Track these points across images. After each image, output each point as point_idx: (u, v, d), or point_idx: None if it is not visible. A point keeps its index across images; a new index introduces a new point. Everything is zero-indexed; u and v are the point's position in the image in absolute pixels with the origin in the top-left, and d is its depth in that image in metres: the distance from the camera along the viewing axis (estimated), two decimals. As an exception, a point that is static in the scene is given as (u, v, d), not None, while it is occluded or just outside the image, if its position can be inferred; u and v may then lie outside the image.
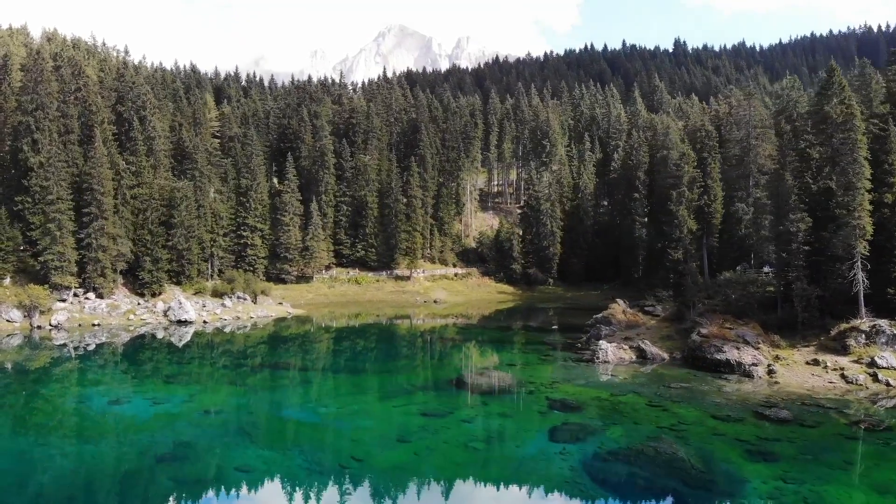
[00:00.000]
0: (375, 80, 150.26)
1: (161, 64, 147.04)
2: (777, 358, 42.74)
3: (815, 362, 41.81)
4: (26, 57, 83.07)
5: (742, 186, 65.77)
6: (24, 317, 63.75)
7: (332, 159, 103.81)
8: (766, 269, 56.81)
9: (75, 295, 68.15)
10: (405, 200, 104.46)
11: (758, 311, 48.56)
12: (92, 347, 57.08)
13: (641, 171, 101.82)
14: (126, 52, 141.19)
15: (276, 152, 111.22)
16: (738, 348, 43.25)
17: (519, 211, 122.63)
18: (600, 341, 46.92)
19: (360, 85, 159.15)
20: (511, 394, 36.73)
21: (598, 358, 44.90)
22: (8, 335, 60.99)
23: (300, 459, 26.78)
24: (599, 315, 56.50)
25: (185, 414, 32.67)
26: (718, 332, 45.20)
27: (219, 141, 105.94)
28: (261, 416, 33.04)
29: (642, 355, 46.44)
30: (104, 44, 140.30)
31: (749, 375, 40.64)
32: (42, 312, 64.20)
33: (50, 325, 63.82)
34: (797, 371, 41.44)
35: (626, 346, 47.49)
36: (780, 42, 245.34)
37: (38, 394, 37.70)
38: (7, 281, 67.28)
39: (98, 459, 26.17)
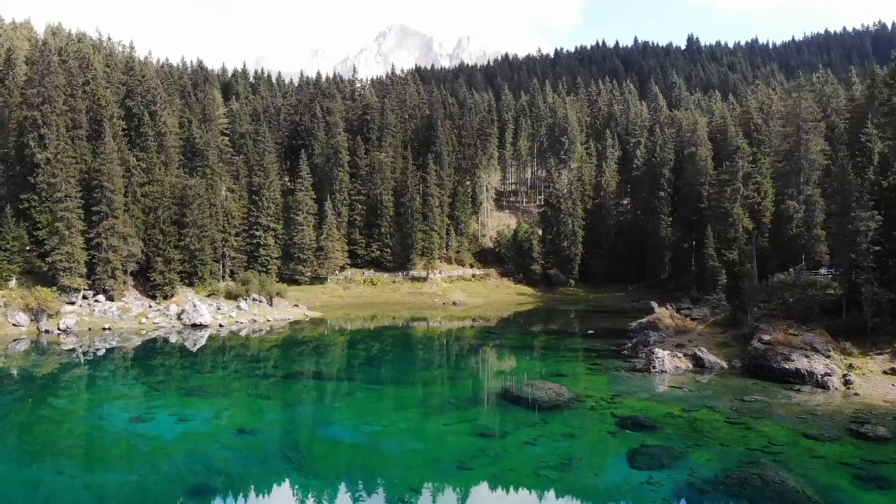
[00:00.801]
0: (386, 76, 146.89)
1: (167, 60, 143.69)
2: (850, 367, 39.39)
3: (894, 371, 38.51)
4: (31, 49, 79.70)
5: (792, 183, 62.43)
6: (31, 320, 60.47)
7: (346, 157, 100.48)
8: (822, 270, 53.42)
9: (84, 297, 64.86)
10: (421, 199, 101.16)
11: (820, 315, 45.26)
12: (104, 353, 53.88)
13: (667, 168, 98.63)
14: (131, 47, 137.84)
15: (287, 150, 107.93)
16: (807, 356, 39.90)
17: (538, 210, 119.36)
18: (654, 349, 43.54)
19: (368, 82, 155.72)
20: (570, 409, 33.35)
21: (653, 367, 41.55)
22: (14, 340, 57.76)
23: (353, 490, 23.47)
24: (644, 319, 53.24)
25: (216, 434, 29.35)
26: (783, 339, 41.84)
27: (228, 138, 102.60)
28: (301, 435, 29.69)
29: (699, 364, 43.09)
30: (109, 38, 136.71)
31: (823, 386, 37.30)
32: (50, 316, 60.91)
33: (58, 328, 60.55)
34: (875, 381, 38.07)
35: (680, 354, 44.15)
36: (794, 39, 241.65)
37: (49, 408, 34.43)
38: (13, 283, 63.98)
39: (124, 491, 22.82)
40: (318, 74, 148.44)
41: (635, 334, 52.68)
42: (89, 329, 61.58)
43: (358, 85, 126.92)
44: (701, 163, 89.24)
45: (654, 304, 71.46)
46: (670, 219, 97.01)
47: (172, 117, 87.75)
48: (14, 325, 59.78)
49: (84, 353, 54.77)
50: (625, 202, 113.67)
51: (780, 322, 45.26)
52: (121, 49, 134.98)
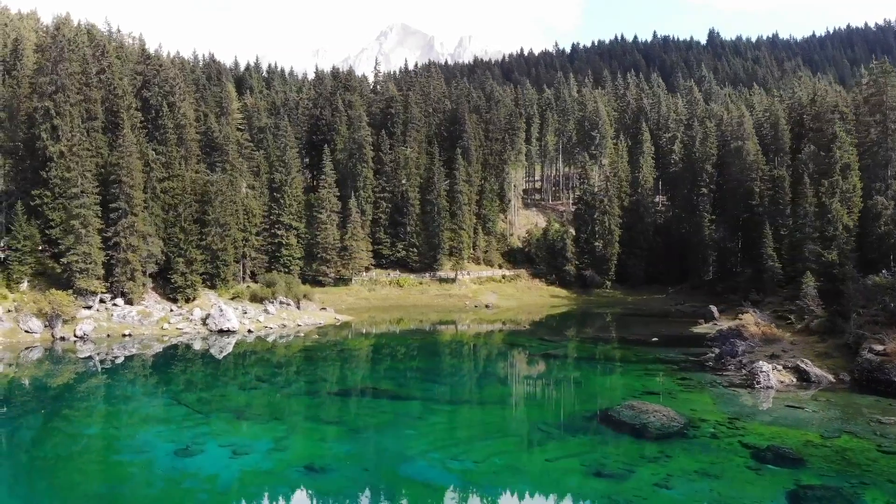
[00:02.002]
0: (404, 69, 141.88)
1: (178, 53, 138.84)
2: None
3: None
4: (42, 35, 74.93)
5: (880, 177, 57.45)
6: (45, 326, 55.59)
7: (371, 152, 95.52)
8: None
9: (101, 301, 59.98)
10: (448, 196, 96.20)
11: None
12: (127, 363, 49.10)
13: (709, 164, 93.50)
14: (141, 39, 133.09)
15: (306, 145, 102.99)
16: (936, 372, 34.99)
17: (565, 208, 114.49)
18: (758, 362, 38.57)
19: (381, 76, 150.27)
20: (689, 437, 28.43)
21: (757, 382, 36.61)
22: (26, 348, 52.97)
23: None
24: (724, 327, 48.43)
25: (282, 472, 24.42)
26: (904, 351, 36.94)
27: (246, 134, 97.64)
28: (382, 475, 24.73)
29: (804, 377, 38.18)
30: (119, 30, 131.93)
31: (962, 407, 32.36)
32: (65, 321, 56.03)
33: (74, 335, 55.70)
34: None
35: (780, 367, 39.21)
36: (815, 34, 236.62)
37: (72, 434, 29.52)
38: (24, 285, 59.13)
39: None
40: (334, 69, 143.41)
41: (715, 343, 47.73)
42: (108, 336, 56.74)
43: (380, 76, 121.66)
44: (750, 157, 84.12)
45: (714, 309, 66.73)
46: (712, 217, 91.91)
47: (190, 110, 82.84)
48: (27, 331, 54.92)
49: (104, 363, 50.02)
50: (658, 200, 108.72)
51: (889, 330, 40.29)
52: (130, 41, 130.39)
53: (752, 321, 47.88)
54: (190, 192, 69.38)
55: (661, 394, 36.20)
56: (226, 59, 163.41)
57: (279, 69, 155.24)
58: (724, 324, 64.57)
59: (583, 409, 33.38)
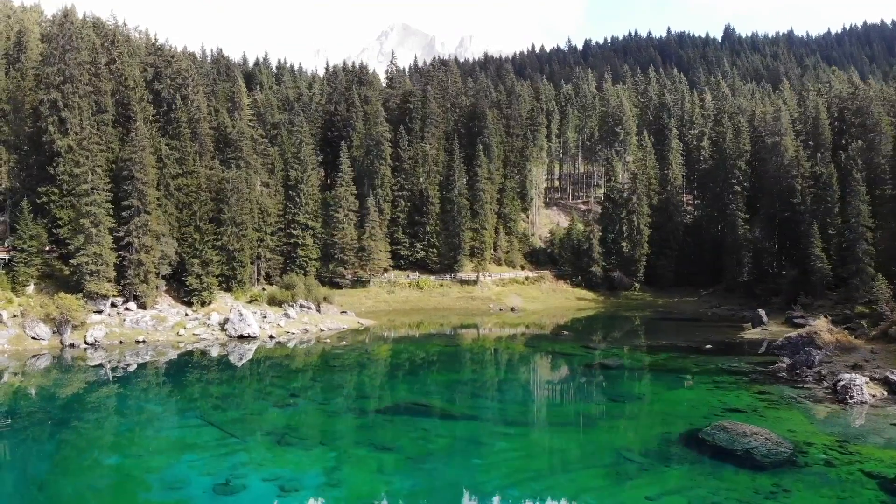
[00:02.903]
0: (420, 65, 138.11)
1: (185, 48, 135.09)
2: None
3: None
4: (49, 24, 71.26)
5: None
6: (53, 332, 51.87)
7: (388, 149, 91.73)
8: None
9: (113, 305, 56.24)
10: (469, 195, 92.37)
11: None
12: (144, 373, 45.42)
13: (742, 160, 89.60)
14: (147, 34, 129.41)
15: (321, 142, 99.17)
16: None
17: (590, 207, 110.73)
18: (846, 374, 34.73)
19: (389, 73, 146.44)
20: (797, 466, 24.66)
21: (850, 397, 32.79)
22: (33, 356, 49.31)
23: None
24: (794, 334, 44.52)
25: (342, 513, 20.63)
26: None
27: (257, 129, 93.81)
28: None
29: (893, 390, 34.36)
30: (125, 24, 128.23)
31: None
32: (75, 327, 52.31)
33: (85, 342, 52.01)
34: None
35: (866, 379, 35.39)
36: (830, 32, 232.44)
37: (96, 467, 25.72)
38: (31, 288, 55.43)
39: None
40: (344, 63, 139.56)
41: (782, 351, 43.87)
42: (120, 342, 53.01)
43: (395, 71, 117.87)
44: (789, 154, 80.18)
45: (763, 313, 62.88)
46: (746, 216, 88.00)
47: (203, 103, 79.06)
48: (34, 338, 51.19)
49: (115, 370, 46.49)
50: (687, 197, 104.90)
51: None
52: (137, 35, 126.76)
53: (824, 327, 43.96)
54: (205, 190, 65.66)
55: (747, 411, 32.37)
56: (233, 56, 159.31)
57: (289, 65, 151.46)
58: (774, 328, 60.84)
59: (665, 431, 29.54)
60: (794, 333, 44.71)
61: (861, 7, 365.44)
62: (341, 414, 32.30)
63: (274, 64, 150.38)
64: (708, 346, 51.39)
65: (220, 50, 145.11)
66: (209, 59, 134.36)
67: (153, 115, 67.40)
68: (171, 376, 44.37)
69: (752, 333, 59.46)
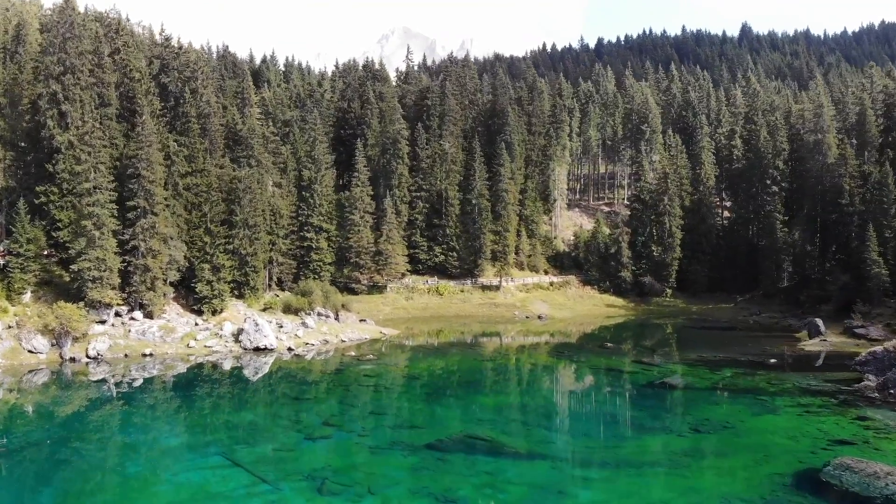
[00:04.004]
0: (434, 63, 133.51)
1: (190, 43, 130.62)
2: None
3: None
4: (50, 11, 66.77)
5: None
6: (52, 345, 47.24)
7: (406, 147, 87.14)
8: None
9: (117, 315, 51.56)
10: (490, 196, 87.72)
11: None
12: (152, 391, 40.86)
13: (780, 159, 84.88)
14: (151, 29, 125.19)
15: (334, 141, 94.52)
16: None
17: (614, 208, 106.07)
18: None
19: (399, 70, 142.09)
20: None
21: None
22: (30, 371, 44.75)
23: None
24: (879, 349, 39.80)
25: None
26: None
27: (268, 127, 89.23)
28: None
29: None
30: (128, 18, 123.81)
31: None
32: (76, 339, 47.66)
33: (87, 355, 47.37)
34: None
35: None
36: (846, 30, 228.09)
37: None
38: (27, 297, 50.73)
39: None
40: (354, 60, 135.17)
41: (866, 367, 39.17)
42: (126, 355, 48.35)
43: (412, 66, 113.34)
44: (833, 152, 75.49)
45: (820, 323, 58.17)
46: (785, 218, 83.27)
47: (213, 98, 74.48)
48: (30, 351, 46.56)
49: (119, 385, 41.96)
50: (715, 200, 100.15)
51: None
52: (140, 30, 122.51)
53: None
54: (216, 189, 61.05)
55: (858, 443, 27.71)
56: (238, 54, 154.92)
57: (297, 62, 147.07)
58: (834, 339, 56.13)
59: (774, 472, 24.80)
60: (878, 348, 40.02)
61: (873, 7, 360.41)
62: (385, 450, 27.49)
63: (281, 62, 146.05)
64: (772, 361, 46.62)
65: (227, 46, 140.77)
66: (215, 55, 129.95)
67: (160, 110, 62.83)
68: (182, 396, 39.71)
69: (810, 345, 54.73)
